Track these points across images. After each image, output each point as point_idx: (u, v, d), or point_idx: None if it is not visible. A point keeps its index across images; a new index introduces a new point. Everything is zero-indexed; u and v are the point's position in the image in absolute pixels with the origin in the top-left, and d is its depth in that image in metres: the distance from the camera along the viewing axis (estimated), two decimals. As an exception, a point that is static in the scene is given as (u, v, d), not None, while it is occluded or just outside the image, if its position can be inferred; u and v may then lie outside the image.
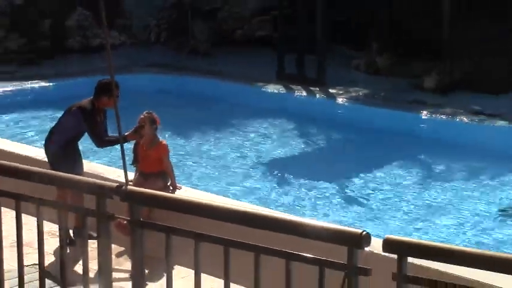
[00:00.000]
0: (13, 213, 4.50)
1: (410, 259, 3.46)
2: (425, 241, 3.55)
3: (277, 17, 17.75)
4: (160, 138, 8.40)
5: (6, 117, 15.47)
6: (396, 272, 3.43)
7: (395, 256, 3.45)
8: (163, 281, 4.12)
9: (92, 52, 19.21)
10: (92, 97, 8.29)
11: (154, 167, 8.19)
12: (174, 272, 4.20)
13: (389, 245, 3.43)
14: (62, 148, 8.15)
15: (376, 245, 3.99)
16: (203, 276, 3.95)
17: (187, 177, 11.75)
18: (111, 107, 7.55)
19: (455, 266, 3.52)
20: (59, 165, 7.77)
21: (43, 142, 8.61)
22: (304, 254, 3.61)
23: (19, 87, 16.74)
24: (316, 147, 14.34)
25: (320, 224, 3.61)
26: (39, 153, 9.36)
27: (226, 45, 20.01)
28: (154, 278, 6.25)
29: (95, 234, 4.30)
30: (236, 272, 3.94)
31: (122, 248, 7.33)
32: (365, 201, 11.13)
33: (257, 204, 10.03)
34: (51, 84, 16.96)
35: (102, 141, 8.16)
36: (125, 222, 4.39)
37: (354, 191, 11.53)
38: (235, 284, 3.92)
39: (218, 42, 20.04)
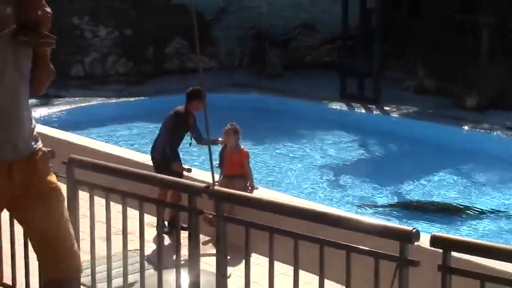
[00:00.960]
0: (119, 207, 4.55)
1: (453, 253, 3.39)
2: (466, 238, 3.48)
3: (341, 47, 17.70)
4: (242, 146, 8.40)
5: (116, 128, 15.72)
6: (441, 264, 3.37)
7: (440, 250, 3.38)
8: (242, 266, 4.10)
9: (186, 73, 19.40)
10: (184, 104, 8.39)
11: (236, 170, 8.19)
12: (251, 259, 4.18)
13: (436, 240, 3.39)
14: (165, 152, 8.22)
15: (422, 240, 3.92)
16: (276, 263, 3.93)
17: (264, 179, 11.76)
18: (200, 110, 7.69)
19: (492, 260, 3.46)
20: (163, 167, 7.87)
21: (149, 149, 8.70)
22: (361, 247, 3.56)
23: (126, 103, 17.00)
24: (373, 157, 14.21)
25: (377, 221, 3.58)
26: (144, 158, 9.47)
27: (298, 69, 20.00)
28: (235, 264, 6.24)
29: (186, 226, 4.32)
30: (304, 261, 3.90)
31: (208, 238, 7.34)
32: (415, 204, 10.96)
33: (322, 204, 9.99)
34: (152, 100, 17.17)
35: (200, 138, 8.27)
36: (211, 216, 4.39)
37: (406, 195, 11.38)
38: (303, 271, 3.89)
39: (291, 67, 20.04)
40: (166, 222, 7.63)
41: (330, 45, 20.58)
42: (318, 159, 13.42)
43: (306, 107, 16.48)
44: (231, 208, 7.03)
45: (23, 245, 4.98)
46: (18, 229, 5.02)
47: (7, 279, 5.53)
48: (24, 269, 5.07)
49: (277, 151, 14.03)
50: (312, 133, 15.24)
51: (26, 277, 5.10)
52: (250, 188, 8.11)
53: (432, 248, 3.41)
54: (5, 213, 4.06)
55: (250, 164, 8.33)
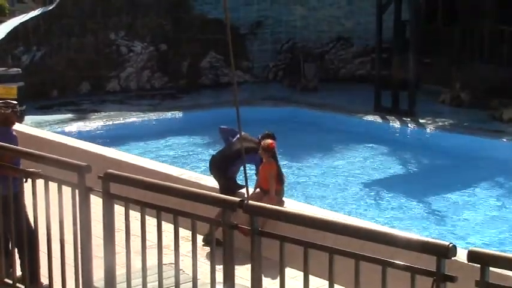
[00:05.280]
0: (154, 220, 4.56)
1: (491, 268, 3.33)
2: (505, 253, 3.41)
3: (376, 59, 17.63)
4: (273, 161, 8.32)
5: (151, 142, 15.80)
6: (479, 280, 3.31)
7: (478, 265, 3.33)
8: (277, 280, 4.08)
9: (221, 88, 19.48)
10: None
11: (264, 184, 8.22)
12: (286, 273, 4.15)
13: (474, 255, 3.32)
14: (234, 178, 8.50)
15: (459, 255, 3.86)
16: (311, 277, 3.90)
17: (298, 193, 11.72)
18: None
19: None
20: (230, 189, 8.12)
21: (184, 163, 8.82)
22: (397, 262, 3.52)
23: (161, 117, 17.09)
24: (407, 170, 14.09)
25: (413, 236, 3.53)
26: (179, 172, 9.50)
27: (332, 82, 19.98)
28: (270, 278, 6.21)
29: (221, 240, 4.31)
30: (339, 275, 3.87)
31: (243, 251, 7.32)
32: (451, 217, 10.83)
33: (358, 218, 9.92)
34: (187, 114, 17.25)
35: None
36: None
37: (442, 209, 11.25)
38: (338, 285, 3.85)
39: (324, 80, 20.02)
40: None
41: (364, 58, 20.55)
42: (353, 173, 13.33)
43: (340, 120, 16.41)
44: (265, 221, 7.05)
45: (59, 245, 5.04)
46: (55, 230, 5.07)
47: (44, 279, 5.59)
48: (60, 270, 5.13)
49: (311, 165, 13.98)
50: (346, 146, 15.17)
51: (62, 278, 5.15)
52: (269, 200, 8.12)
53: (470, 263, 3.36)
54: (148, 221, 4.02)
55: (285, 176, 8.33)
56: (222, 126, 8.96)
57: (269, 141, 8.27)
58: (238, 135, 8.23)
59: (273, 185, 8.11)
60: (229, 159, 8.45)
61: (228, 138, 8.74)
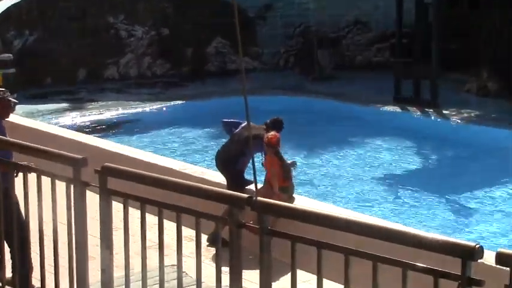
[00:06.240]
0: (155, 218, 4.55)
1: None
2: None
3: (395, 45, 17.58)
4: (275, 157, 8.28)
5: (153, 133, 15.81)
6: (508, 284, 3.27)
7: (507, 269, 3.29)
8: (288, 283, 4.06)
9: (228, 76, 19.47)
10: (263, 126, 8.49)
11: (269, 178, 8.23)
12: (298, 276, 4.13)
13: (502, 257, 3.28)
14: (243, 172, 8.45)
15: (486, 257, 3.83)
16: (325, 281, 3.88)
17: (311, 190, 11.71)
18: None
19: None
20: (238, 185, 8.07)
21: (187, 156, 8.82)
22: (419, 264, 3.49)
23: (163, 107, 17.08)
24: (429, 163, 14.06)
25: (436, 236, 3.49)
26: (181, 165, 9.50)
27: (347, 70, 19.94)
28: (280, 281, 6.19)
29: (227, 240, 4.29)
30: (355, 278, 3.85)
31: (252, 251, 7.31)
32: (477, 216, 10.79)
33: (375, 215, 9.89)
34: (192, 103, 17.24)
35: None
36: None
37: (467, 207, 11.21)
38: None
39: (340, 67, 19.98)
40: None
41: (383, 44, 20.48)
42: (370, 168, 13.31)
43: (357, 111, 16.38)
44: (274, 219, 7.04)
45: (52, 245, 5.04)
46: (48, 228, 5.07)
47: (36, 282, 5.59)
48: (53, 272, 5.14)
49: (325, 159, 13.96)
50: (363, 140, 15.14)
51: (55, 280, 5.15)
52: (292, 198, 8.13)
53: (498, 266, 3.32)
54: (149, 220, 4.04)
55: (293, 172, 8.33)
56: (225, 119, 9.00)
57: (272, 134, 8.21)
58: (242, 125, 8.35)
59: (275, 183, 8.10)
60: (237, 150, 8.45)
61: (231, 130, 8.75)
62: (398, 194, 11.90)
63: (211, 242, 7.67)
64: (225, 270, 4.31)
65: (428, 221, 10.60)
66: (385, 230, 3.69)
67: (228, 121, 8.95)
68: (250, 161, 8.16)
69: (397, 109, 16.32)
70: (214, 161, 8.85)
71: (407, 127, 15.49)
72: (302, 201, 8.19)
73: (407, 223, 9.93)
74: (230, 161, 8.51)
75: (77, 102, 17.22)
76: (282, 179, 8.17)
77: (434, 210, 11.05)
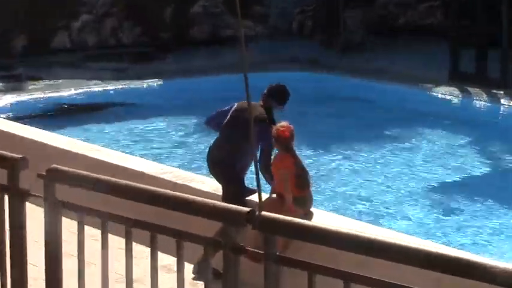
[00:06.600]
0: (121, 241, 4.56)
1: None
2: None
3: (451, 5, 17.61)
4: (288, 155, 8.29)
5: (117, 125, 15.81)
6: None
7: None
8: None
9: (221, 45, 19.48)
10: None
11: (282, 187, 8.19)
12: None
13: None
14: (242, 171, 8.49)
15: None
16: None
17: (329, 197, 11.74)
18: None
19: None
20: (236, 195, 8.12)
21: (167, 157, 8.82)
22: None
23: (131, 87, 17.09)
24: (498, 165, 14.07)
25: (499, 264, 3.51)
26: (159, 169, 9.52)
27: (385, 37, 19.94)
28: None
29: (219, 271, 4.31)
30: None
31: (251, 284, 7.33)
32: None
33: (422, 236, 9.91)
34: (172, 83, 17.25)
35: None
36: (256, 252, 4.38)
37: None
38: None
39: (375, 33, 19.99)
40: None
41: (434, 2, 20.51)
42: (416, 170, 13.33)
43: (399, 93, 16.40)
44: (286, 242, 7.04)
45: None
46: None
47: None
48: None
49: (353, 158, 13.96)
50: (407, 133, 15.16)
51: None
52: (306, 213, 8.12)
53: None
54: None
55: (309, 178, 8.33)
56: (208, 117, 8.98)
57: (282, 125, 8.19)
58: (234, 107, 8.44)
59: (288, 189, 8.08)
60: (235, 142, 8.42)
61: (221, 123, 8.73)
62: (456, 206, 11.93)
63: (198, 274, 7.70)
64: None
65: (497, 243, 10.64)
66: (441, 257, 3.69)
67: (213, 114, 8.90)
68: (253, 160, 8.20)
69: (455, 90, 16.35)
70: (206, 161, 8.85)
71: (467, 115, 15.51)
72: (324, 218, 8.20)
73: (465, 247, 9.95)
74: (226, 161, 8.48)
75: (13, 81, 17.25)
76: (296, 187, 8.17)
77: (501, 227, 11.09)
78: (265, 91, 8.59)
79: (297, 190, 8.13)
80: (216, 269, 4.40)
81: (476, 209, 11.84)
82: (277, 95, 8.58)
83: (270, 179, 8.30)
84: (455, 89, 16.45)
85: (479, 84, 16.42)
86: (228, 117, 8.60)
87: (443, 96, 16.32)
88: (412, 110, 15.92)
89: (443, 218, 11.63)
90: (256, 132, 7.92)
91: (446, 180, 13.12)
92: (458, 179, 13.20)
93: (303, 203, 8.16)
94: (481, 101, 16.02)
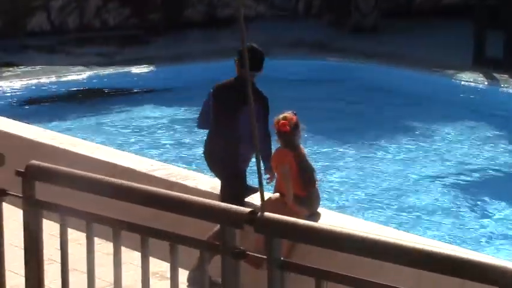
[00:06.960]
0: (109, 245, 4.59)
1: None
2: None
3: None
4: (287, 150, 8.30)
5: (103, 115, 15.81)
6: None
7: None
8: None
9: (218, 26, 19.48)
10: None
11: (279, 183, 8.22)
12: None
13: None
14: (242, 162, 8.48)
15: None
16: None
17: (345, 198, 11.75)
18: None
19: None
20: (235, 193, 8.14)
21: (157, 153, 8.83)
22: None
23: (118, 74, 17.09)
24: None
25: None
26: (151, 166, 9.55)
27: (402, 18, 19.94)
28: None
29: (219, 280, 4.34)
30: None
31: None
32: None
33: (444, 238, 9.95)
34: (164, 70, 17.24)
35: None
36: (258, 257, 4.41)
37: None
38: None
39: (390, 14, 19.98)
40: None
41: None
42: (433, 165, 13.34)
43: (418, 80, 16.41)
44: (291, 246, 7.06)
45: None
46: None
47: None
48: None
49: (366, 152, 13.97)
50: (425, 124, 15.15)
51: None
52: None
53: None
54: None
55: (315, 175, 8.36)
56: (197, 119, 8.97)
57: (286, 115, 8.19)
58: (211, 99, 8.46)
59: (289, 187, 8.09)
60: (231, 130, 8.40)
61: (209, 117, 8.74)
62: (480, 208, 11.94)
63: (193, 282, 7.73)
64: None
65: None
66: (467, 263, 3.71)
67: (200, 113, 8.86)
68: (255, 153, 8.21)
69: (480, 77, 16.34)
70: (203, 154, 8.84)
71: (494, 105, 15.51)
72: (333, 219, 8.22)
73: (494, 252, 9.98)
74: (222, 155, 8.47)
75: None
76: (300, 185, 8.18)
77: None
78: (236, 60, 8.48)
79: (301, 188, 8.12)
80: (213, 280, 4.43)
81: (497, 202, 11.89)
82: (253, 63, 8.07)
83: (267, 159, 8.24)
84: (481, 75, 16.45)
85: (507, 70, 16.43)
86: (212, 106, 8.58)
87: (467, 83, 16.30)
88: (430, 97, 15.91)
89: (465, 215, 11.67)
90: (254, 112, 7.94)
91: (468, 176, 13.13)
92: (478, 173, 13.22)
93: (308, 202, 8.16)
94: (509, 88, 16.01)
